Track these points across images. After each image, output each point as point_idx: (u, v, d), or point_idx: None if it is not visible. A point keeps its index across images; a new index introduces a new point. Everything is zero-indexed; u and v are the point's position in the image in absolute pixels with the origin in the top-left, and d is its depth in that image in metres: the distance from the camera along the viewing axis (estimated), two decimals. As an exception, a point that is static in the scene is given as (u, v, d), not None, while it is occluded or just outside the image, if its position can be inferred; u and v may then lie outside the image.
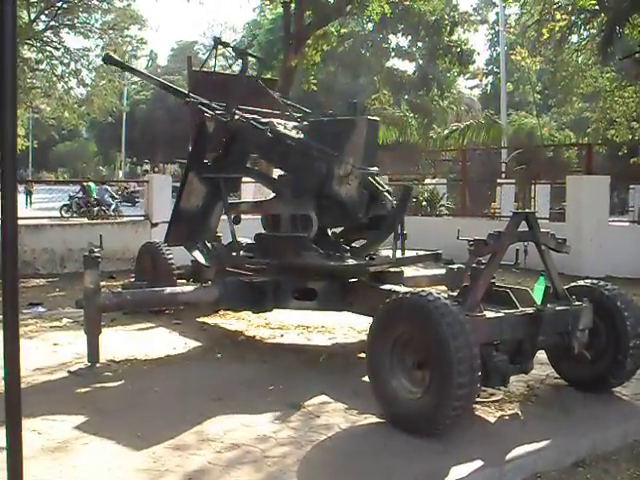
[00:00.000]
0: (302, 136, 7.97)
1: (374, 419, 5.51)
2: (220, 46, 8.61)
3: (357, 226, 7.97)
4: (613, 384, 6.26)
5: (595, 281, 6.53)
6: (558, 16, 20.41)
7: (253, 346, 8.09)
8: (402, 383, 5.33)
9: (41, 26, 29.26)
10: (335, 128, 7.83)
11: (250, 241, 8.55)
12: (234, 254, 8.10)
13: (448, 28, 22.38)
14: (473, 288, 5.58)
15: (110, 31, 32.13)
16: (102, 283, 7.28)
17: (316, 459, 4.82)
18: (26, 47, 28.61)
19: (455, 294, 5.83)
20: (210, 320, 9.40)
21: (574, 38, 25.75)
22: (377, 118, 8.45)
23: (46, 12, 28.78)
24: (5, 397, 3.17)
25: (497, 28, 43.92)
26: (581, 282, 6.59)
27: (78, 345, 7.47)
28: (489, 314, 5.52)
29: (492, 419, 5.62)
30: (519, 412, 5.78)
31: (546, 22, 21.48)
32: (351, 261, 7.45)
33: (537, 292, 6.35)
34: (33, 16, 27.41)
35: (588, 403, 6.05)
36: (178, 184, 9.40)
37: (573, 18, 21.87)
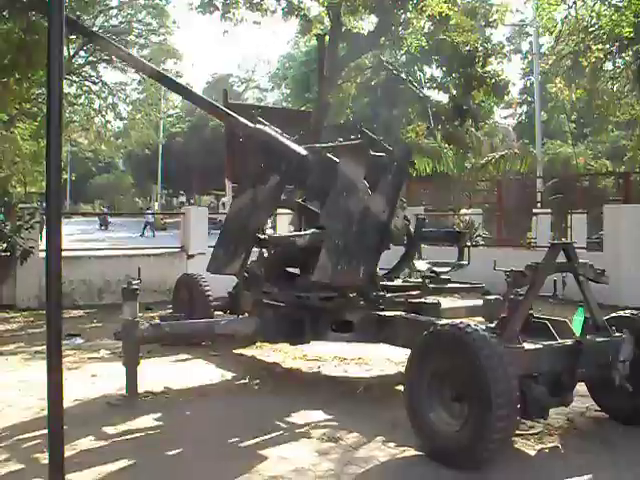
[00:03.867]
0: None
1: (412, 452, 5.48)
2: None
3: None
4: (655, 416, 6.15)
5: (635, 312, 6.44)
6: (593, 46, 20.33)
7: (290, 378, 8.09)
8: (440, 415, 5.30)
9: (80, 61, 29.88)
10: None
11: None
12: None
13: (482, 60, 22.40)
14: (511, 319, 5.55)
15: (147, 65, 32.74)
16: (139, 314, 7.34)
17: (355, 492, 4.79)
18: (65, 82, 29.22)
19: (493, 325, 5.80)
20: (247, 352, 9.41)
21: (609, 66, 25.65)
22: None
23: (85, 48, 29.41)
24: (48, 428, 3.21)
25: (531, 57, 43.84)
26: (621, 313, 6.50)
27: (116, 377, 7.52)
28: (528, 346, 5.49)
29: (532, 452, 5.55)
30: (559, 445, 5.71)
31: (581, 53, 21.42)
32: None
33: (576, 324, 6.30)
34: (72, 52, 27.99)
35: (630, 436, 5.96)
36: (213, 215, 9.52)
37: (608, 46, 21.79)
